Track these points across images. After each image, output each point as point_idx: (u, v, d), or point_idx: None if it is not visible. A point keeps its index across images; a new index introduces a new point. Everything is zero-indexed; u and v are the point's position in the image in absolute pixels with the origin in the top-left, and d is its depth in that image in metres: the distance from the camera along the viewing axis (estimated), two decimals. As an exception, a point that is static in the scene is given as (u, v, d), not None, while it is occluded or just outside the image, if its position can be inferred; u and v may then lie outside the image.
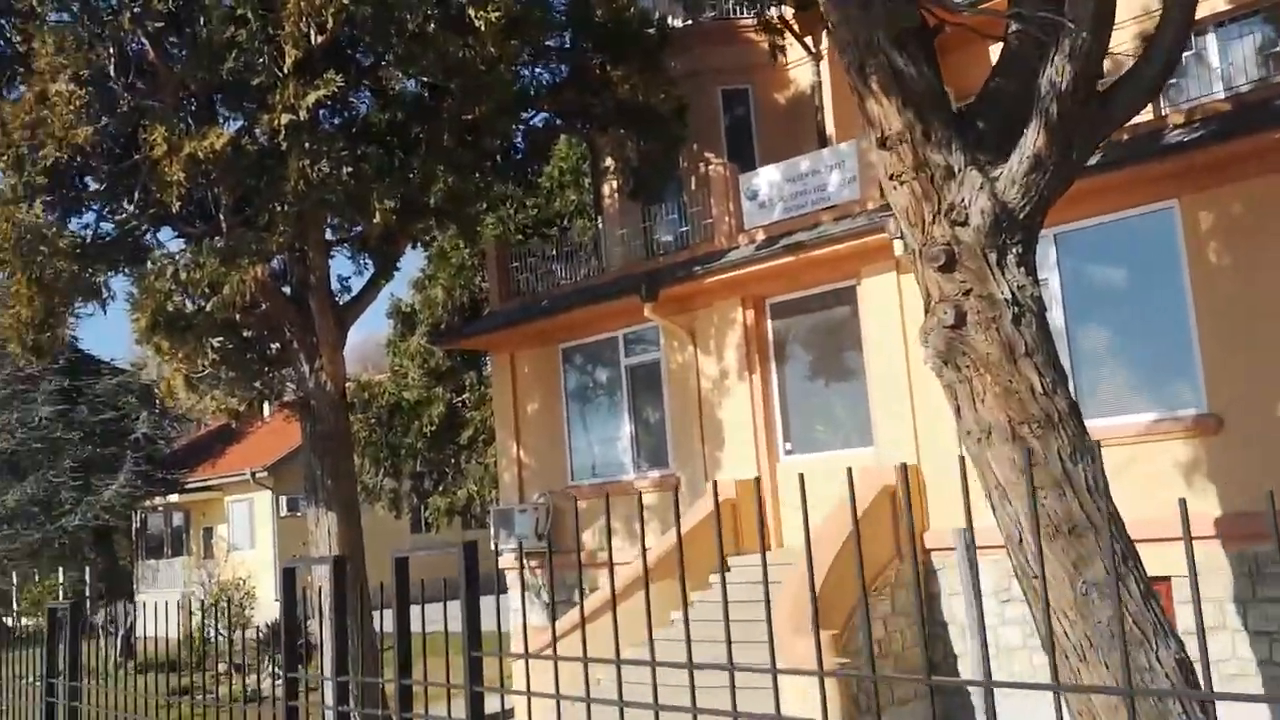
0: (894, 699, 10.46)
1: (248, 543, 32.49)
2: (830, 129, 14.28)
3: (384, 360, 25.42)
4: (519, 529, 14.49)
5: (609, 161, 16.58)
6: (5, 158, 10.39)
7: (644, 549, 3.41)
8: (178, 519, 36.07)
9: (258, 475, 31.70)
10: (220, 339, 11.12)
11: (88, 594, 37.08)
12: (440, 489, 19.88)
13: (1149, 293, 10.29)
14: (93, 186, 12.46)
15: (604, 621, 11.78)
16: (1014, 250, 7.05)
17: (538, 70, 14.23)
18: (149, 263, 10.98)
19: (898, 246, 10.85)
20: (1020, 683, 3.70)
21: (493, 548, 15.42)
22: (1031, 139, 6.83)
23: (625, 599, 11.71)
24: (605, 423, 14.47)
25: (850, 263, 11.72)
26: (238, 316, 11.69)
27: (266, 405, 15.03)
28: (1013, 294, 6.98)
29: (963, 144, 7.14)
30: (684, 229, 13.76)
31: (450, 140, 12.74)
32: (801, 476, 2.87)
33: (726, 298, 12.96)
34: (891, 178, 7.40)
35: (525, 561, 14.81)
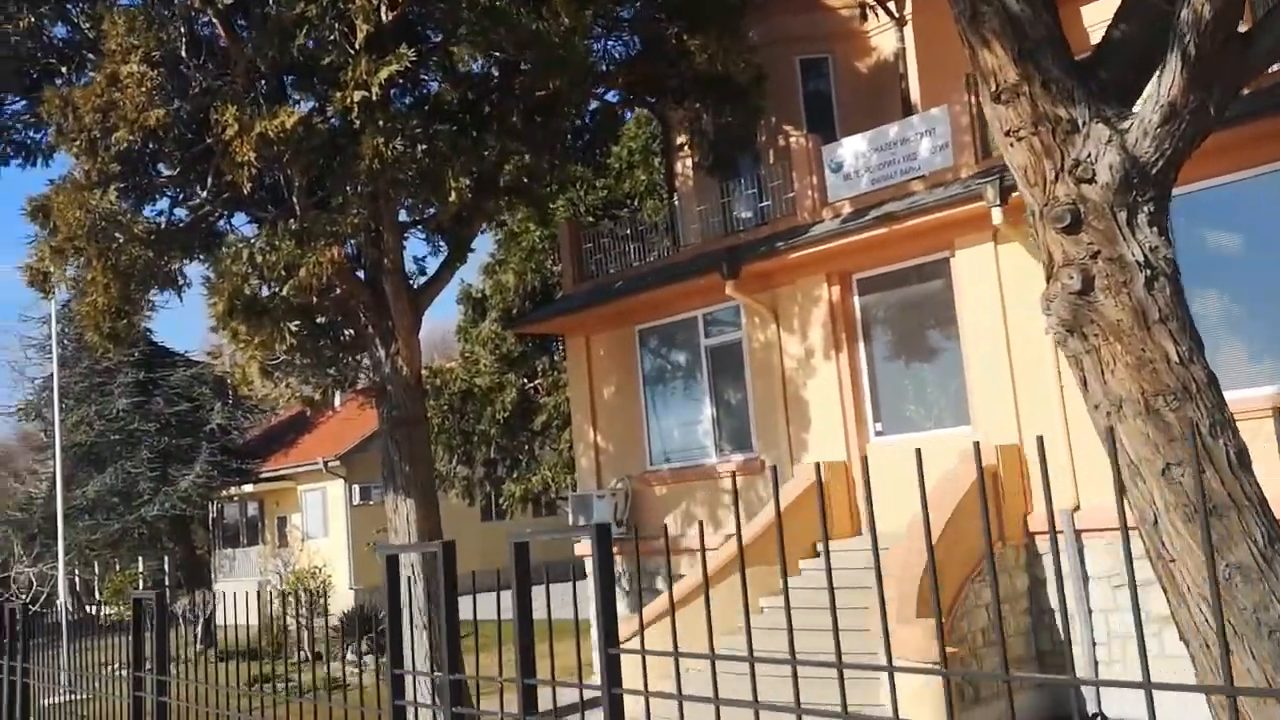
0: (997, 690, 9.95)
1: (321, 531, 32.68)
2: (915, 97, 13.69)
3: (454, 347, 25.30)
4: (597, 515, 14.17)
5: (681, 138, 16.16)
6: (78, 143, 10.24)
7: (739, 533, 3.02)
8: (252, 508, 36.43)
9: (330, 464, 31.83)
10: (297, 323, 10.89)
11: (167, 583, 37.66)
12: (515, 476, 19.64)
13: (1270, 260, 9.63)
14: (165, 173, 12.32)
15: (690, 610, 11.41)
16: (1145, 209, 6.48)
17: (609, 44, 13.85)
18: (224, 247, 10.78)
19: (996, 215, 10.30)
20: (1187, 685, 3.23)
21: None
22: (1166, 85, 6.25)
23: (711, 587, 11.33)
24: (685, 405, 14.07)
25: (944, 234, 11.18)
26: (313, 301, 11.48)
27: (340, 393, 14.85)
28: (1145, 256, 6.41)
29: (1085, 95, 6.58)
30: (764, 204, 13.28)
31: (521, 118, 12.43)
32: (919, 453, 2.59)
33: (811, 274, 12.48)
34: (1008, 134, 6.87)
35: (604, 548, 14.47)
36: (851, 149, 12.27)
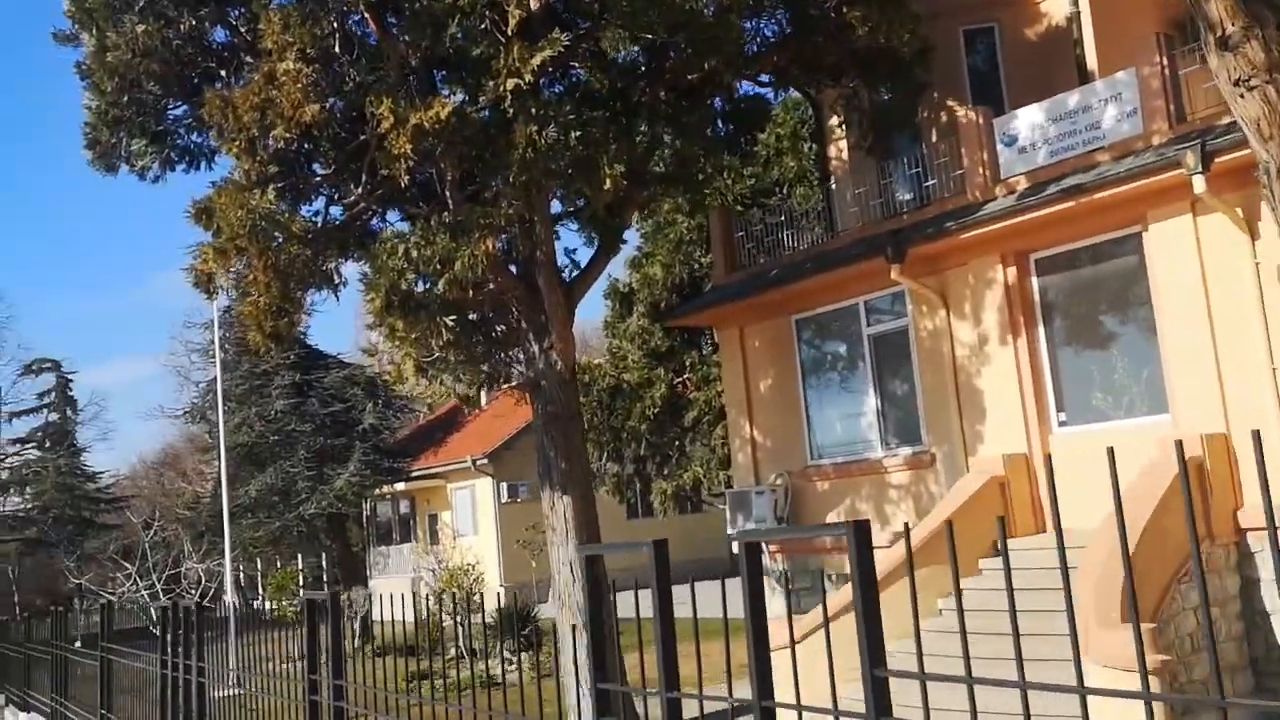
0: (1209, 702, 9.08)
1: (471, 529, 33.05)
2: (1092, 64, 12.74)
3: (600, 343, 25.14)
4: (756, 512, 13.68)
5: (835, 120, 15.53)
6: (237, 143, 10.28)
7: (907, 534, 2.52)
8: (404, 506, 37.14)
9: (478, 462, 32.14)
10: (453, 318, 10.73)
11: (325, 579, 38.74)
12: (665, 473, 19.30)
13: None
14: (320, 172, 12.37)
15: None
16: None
17: (760, 23, 13.32)
18: (380, 242, 10.70)
19: (1197, 184, 9.41)
20: None
21: (728, 531, 14.71)
22: None
23: (884, 589, 10.71)
24: (846, 397, 13.46)
25: (1135, 207, 10.30)
26: (467, 296, 11.32)
27: (492, 388, 14.73)
28: None
29: (1327, 36, 5.82)
30: (930, 183, 12.56)
31: (670, 104, 12.06)
32: (1111, 451, 2.11)
33: (982, 255, 11.73)
34: (1236, 84, 6.12)
35: (765, 546, 13.97)
36: (1027, 120, 11.46)
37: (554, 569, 12.41)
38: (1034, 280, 11.55)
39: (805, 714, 3.00)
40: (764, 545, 14.08)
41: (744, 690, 3.00)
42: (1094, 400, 11.18)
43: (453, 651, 20.65)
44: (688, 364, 19.28)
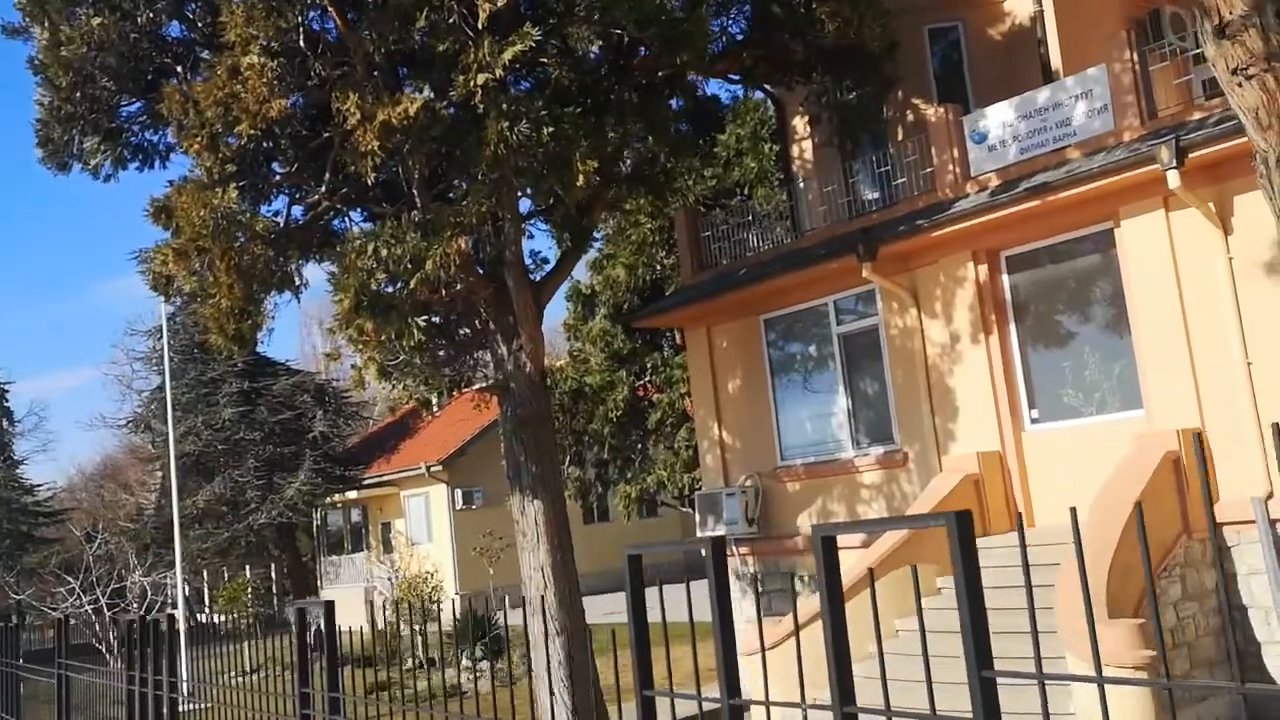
0: (1191, 695, 9.11)
1: (425, 536, 32.61)
2: (1056, 62, 12.82)
3: (561, 345, 24.92)
4: (727, 514, 13.56)
5: (798, 119, 15.50)
6: (199, 139, 9.97)
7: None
8: (355, 515, 36.57)
9: (432, 469, 31.74)
10: (424, 318, 10.49)
11: (275, 590, 38.03)
12: (629, 476, 19.13)
13: None
14: (280, 171, 12.05)
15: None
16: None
17: (727, 20, 13.23)
18: (349, 241, 10.43)
19: (1171, 179, 9.46)
20: None
21: (698, 534, 14.58)
22: None
23: (855, 595, 10.61)
24: (816, 397, 13.40)
25: (1106, 203, 10.35)
26: (433, 297, 11.08)
27: (455, 392, 14.46)
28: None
29: (1326, 25, 5.83)
30: (900, 181, 12.54)
31: (638, 102, 11.92)
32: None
33: (953, 253, 11.73)
34: (1235, 73, 6.10)
35: (734, 549, 13.87)
36: (996, 117, 11.49)
37: (524, 575, 12.19)
38: (1005, 278, 11.57)
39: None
40: (734, 548, 13.98)
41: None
42: (1066, 397, 11.22)
43: (410, 661, 20.32)
44: (650, 366, 19.15)
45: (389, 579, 24.53)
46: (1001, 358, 11.44)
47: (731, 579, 14.08)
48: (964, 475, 11.05)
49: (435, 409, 31.83)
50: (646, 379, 19.35)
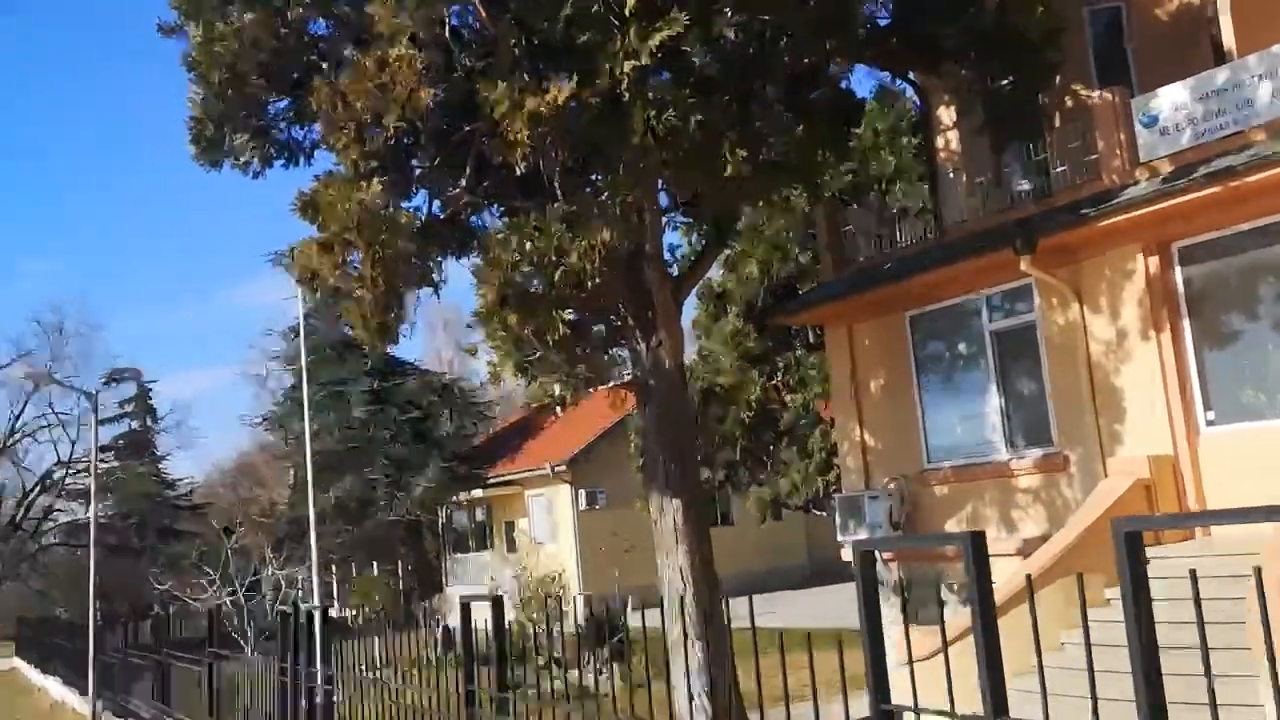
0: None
1: (549, 537, 32.72)
2: (1229, 42, 11.99)
3: (689, 345, 24.64)
4: (870, 518, 13.07)
5: (943, 110, 14.93)
6: (347, 131, 9.98)
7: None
8: (480, 514, 36.95)
9: (556, 469, 31.83)
10: (570, 312, 10.31)
11: (401, 588, 38.68)
12: (760, 479, 18.74)
13: None
14: (420, 167, 12.07)
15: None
16: None
17: (873, 5, 12.77)
18: (494, 234, 10.33)
19: (1375, 159, 8.65)
20: None
21: (839, 539, 14.13)
22: None
23: (1014, 606, 10.04)
24: (966, 397, 12.81)
25: (1297, 188, 9.58)
26: (573, 292, 10.90)
27: (589, 389, 14.26)
28: None
29: None
30: (1060, 169, 11.89)
31: (783, 91, 11.57)
32: None
33: (1120, 245, 11.04)
34: None
35: (878, 554, 13.35)
36: (1169, 100, 10.77)
37: (663, 576, 11.92)
38: (1178, 270, 10.84)
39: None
40: (876, 553, 13.46)
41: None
42: (1246, 398, 10.45)
43: (539, 661, 20.30)
44: (782, 367, 18.72)
45: (516, 578, 24.58)
46: (1174, 355, 10.71)
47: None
48: (1134, 479, 10.38)
49: (570, 406, 31.99)
50: (778, 379, 18.93)
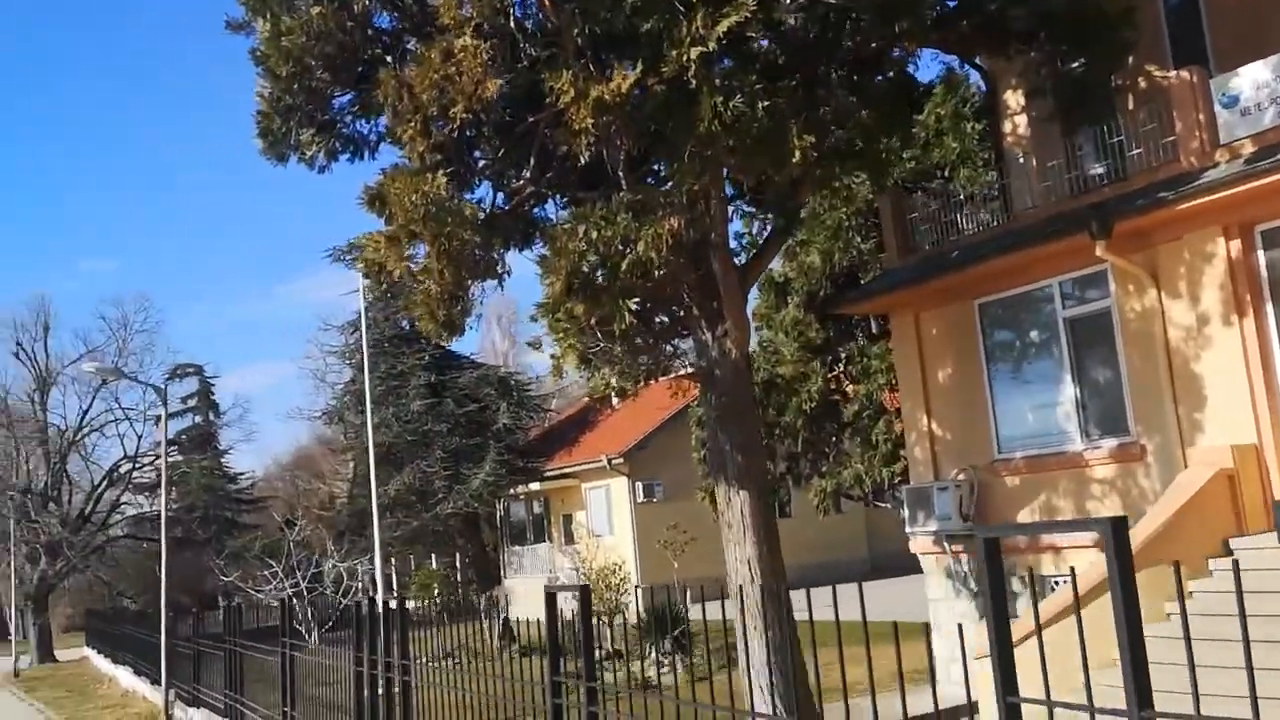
0: None
1: (607, 529, 32.73)
2: (1312, 17, 11.62)
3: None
4: (939, 509, 12.87)
5: (1010, 93, 14.64)
6: (413, 123, 9.99)
7: None
8: (537, 506, 37.07)
9: (614, 461, 31.83)
10: (636, 301, 10.23)
11: (459, 579, 38.96)
12: (823, 470, 18.55)
13: None
14: (483, 160, 12.06)
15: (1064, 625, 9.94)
16: None
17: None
18: (560, 224, 10.29)
19: None
20: None
21: (907, 530, 13.94)
22: None
23: (1096, 597, 9.81)
24: (1038, 386, 12.56)
25: (1390, 166, 9.24)
26: (638, 282, 10.83)
27: (651, 381, 14.18)
28: None
29: None
30: (1135, 151, 11.60)
31: (847, 77, 11.40)
32: None
33: (1199, 228, 10.75)
34: None
35: (946, 545, 13.17)
36: (1250, 78, 10.45)
37: (730, 567, 11.83)
38: (1261, 254, 10.53)
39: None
40: (945, 545, 13.28)
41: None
42: (1335, 384, 10.12)
43: (597, 653, 20.30)
44: (845, 357, 18.50)
45: (576, 570, 24.61)
46: (1257, 341, 10.40)
47: (943, 578, 13.38)
48: (1216, 469, 10.10)
49: (631, 397, 32.04)
50: (841, 369, 18.72)
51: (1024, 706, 2.84)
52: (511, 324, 62.72)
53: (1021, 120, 14.42)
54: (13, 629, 45.15)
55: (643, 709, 4.36)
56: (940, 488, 12.91)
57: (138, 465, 47.15)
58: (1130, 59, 12.51)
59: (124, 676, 27.03)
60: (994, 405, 12.92)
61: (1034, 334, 12.68)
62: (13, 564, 44.06)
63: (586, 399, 42.45)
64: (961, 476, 13.03)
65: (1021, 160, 13.57)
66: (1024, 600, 12.57)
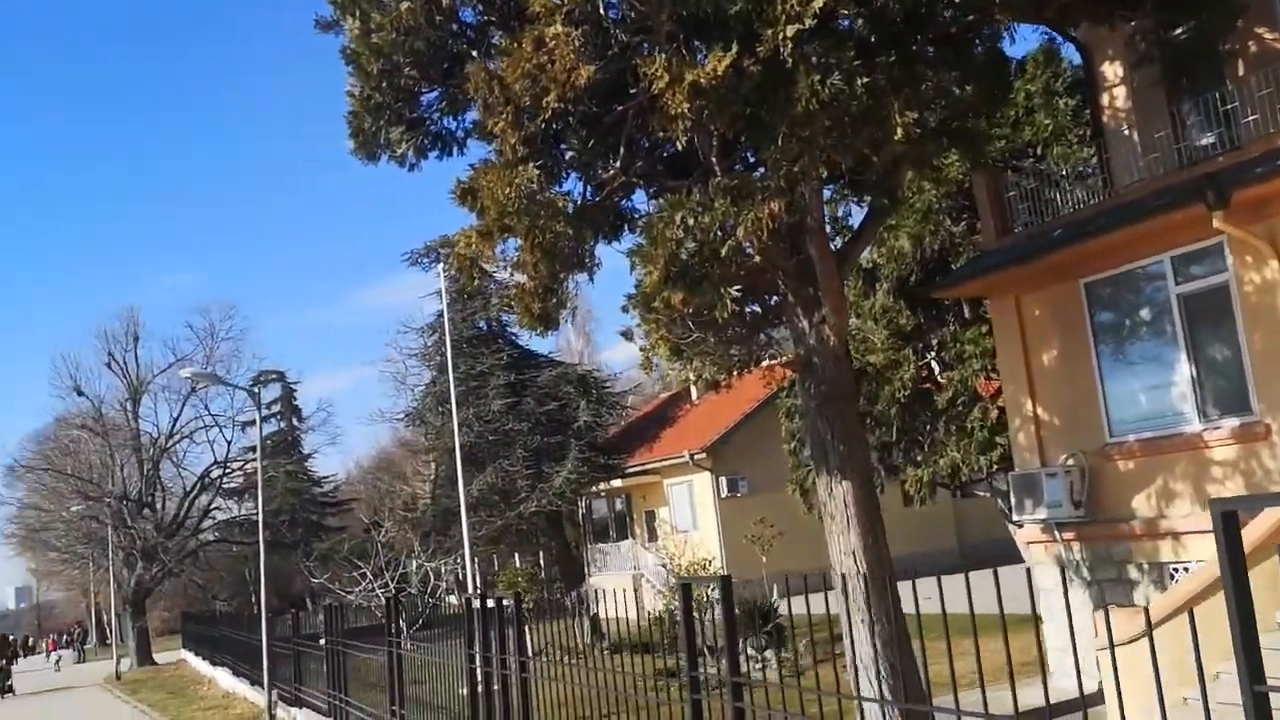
0: None
1: (690, 524, 32.54)
2: None
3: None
4: (1049, 496, 12.45)
5: (1106, 67, 14.13)
6: (504, 115, 9.89)
7: None
8: (619, 503, 37.01)
9: (696, 457, 31.63)
10: (737, 287, 10.01)
11: (543, 577, 39.06)
12: (919, 459, 18.14)
13: None
14: (571, 152, 11.94)
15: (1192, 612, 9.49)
16: None
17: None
18: (658, 210, 10.11)
19: None
20: None
21: (1014, 519, 13.51)
22: None
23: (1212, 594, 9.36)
24: (1151, 365, 12.08)
25: None
26: (738, 268, 10.61)
27: (743, 371, 13.93)
28: None
29: None
30: (1251, 118, 11.08)
31: (940, 52, 11.06)
32: None
33: (1325, 194, 10.22)
34: None
35: (1056, 534, 12.74)
36: (1377, 34, 9.90)
37: (834, 559, 11.56)
38: (1393, 219, 9.97)
39: None
40: (1055, 533, 12.84)
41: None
42: None
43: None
44: (937, 343, 18.08)
45: (663, 566, 24.45)
46: (1393, 312, 9.86)
47: (1053, 567, 12.95)
48: (1352, 448, 9.58)
49: (724, 388, 31.89)
50: (932, 356, 18.29)
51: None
52: (587, 322, 62.79)
53: (1121, 92, 13.90)
54: (113, 633, 46.32)
55: (798, 705, 4.16)
56: (1049, 474, 12.49)
57: (227, 471, 48.09)
58: (1239, 22, 12.00)
59: (223, 677, 27.52)
60: (1103, 387, 12.46)
61: (1144, 312, 12.19)
62: (111, 569, 45.25)
63: (664, 395, 42.30)
64: (1071, 462, 12.59)
65: (1127, 131, 13.07)
66: (1140, 589, 12.12)
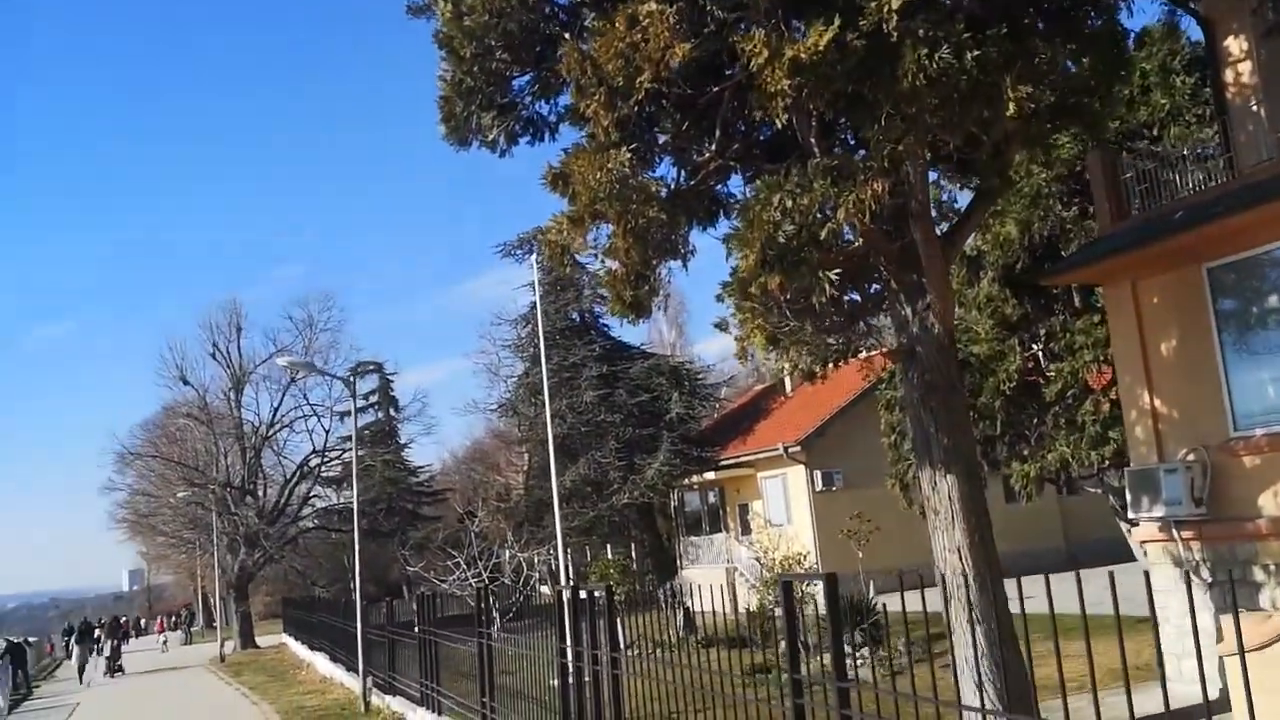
0: None
1: (784, 518, 32.08)
2: None
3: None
4: (1167, 493, 11.79)
5: (1230, 41, 13.33)
6: (597, 96, 9.65)
7: None
8: (712, 496, 36.69)
9: (790, 450, 31.16)
10: (837, 271, 9.62)
11: (636, 569, 38.95)
12: (1025, 453, 17.45)
13: None
14: (664, 136, 11.67)
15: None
16: None
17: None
18: (755, 192, 9.78)
19: None
20: None
21: (1129, 517, 12.86)
22: None
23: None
24: (1278, 355, 11.34)
25: None
26: (836, 254, 10.22)
27: (841, 362, 13.50)
28: None
29: None
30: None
31: (1053, 26, 10.50)
32: None
33: None
34: None
35: (1175, 533, 12.07)
36: None
37: (938, 556, 11.09)
38: None
39: None
40: (1174, 531, 12.17)
41: None
42: None
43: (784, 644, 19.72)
44: (1044, 334, 17.36)
45: (757, 560, 24.08)
46: None
47: (1171, 567, 12.28)
48: None
49: (820, 379, 31.39)
50: (1040, 347, 17.58)
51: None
52: (680, 314, 62.53)
53: (1246, 67, 13.11)
54: (218, 616, 47.65)
55: (913, 710, 3.83)
56: (1168, 470, 11.83)
57: (325, 460, 49.05)
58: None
59: (321, 662, 27.99)
60: (1227, 378, 11.75)
61: (1273, 299, 11.45)
62: (215, 555, 46.50)
63: (758, 387, 41.84)
64: (1191, 457, 11.90)
65: (1255, 107, 12.30)
66: (1267, 591, 11.42)
